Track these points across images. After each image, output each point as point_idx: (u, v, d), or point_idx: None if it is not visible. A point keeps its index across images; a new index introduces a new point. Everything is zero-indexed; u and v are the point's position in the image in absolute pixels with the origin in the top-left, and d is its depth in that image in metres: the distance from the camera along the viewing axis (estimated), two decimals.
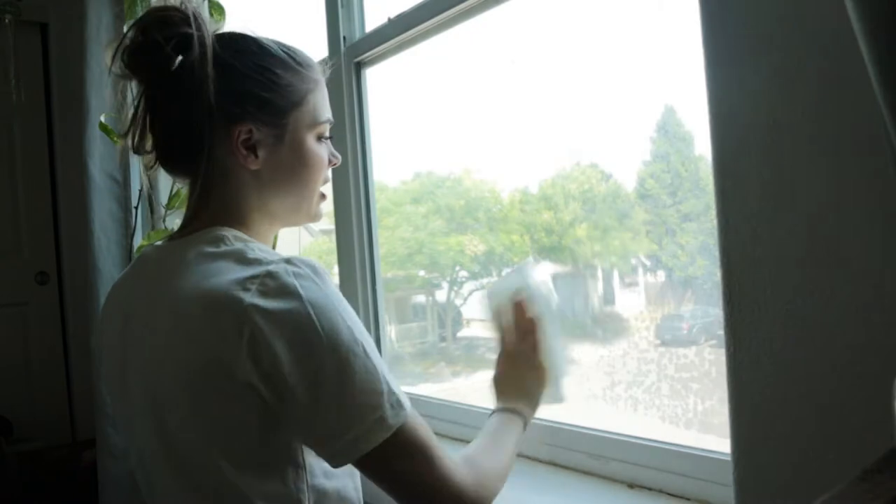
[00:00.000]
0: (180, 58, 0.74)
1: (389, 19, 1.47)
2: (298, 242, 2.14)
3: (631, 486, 1.01)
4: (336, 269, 1.66)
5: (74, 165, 1.91)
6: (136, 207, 1.90)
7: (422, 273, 1.78)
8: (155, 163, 0.82)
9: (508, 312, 0.93)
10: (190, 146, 0.76)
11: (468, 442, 1.29)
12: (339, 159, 0.89)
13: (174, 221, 1.75)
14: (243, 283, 0.66)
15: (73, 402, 2.30)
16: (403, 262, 1.77)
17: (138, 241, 1.88)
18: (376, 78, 1.60)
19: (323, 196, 0.88)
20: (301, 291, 0.66)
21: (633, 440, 1.03)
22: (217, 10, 1.68)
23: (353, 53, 1.57)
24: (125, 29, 0.89)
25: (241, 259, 0.71)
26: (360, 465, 0.69)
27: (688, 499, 0.94)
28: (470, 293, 1.75)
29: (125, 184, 1.89)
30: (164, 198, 1.78)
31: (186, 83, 0.74)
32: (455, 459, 0.75)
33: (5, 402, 2.17)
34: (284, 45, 0.82)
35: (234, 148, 0.76)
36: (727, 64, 0.72)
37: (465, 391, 1.65)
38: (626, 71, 1.14)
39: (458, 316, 1.74)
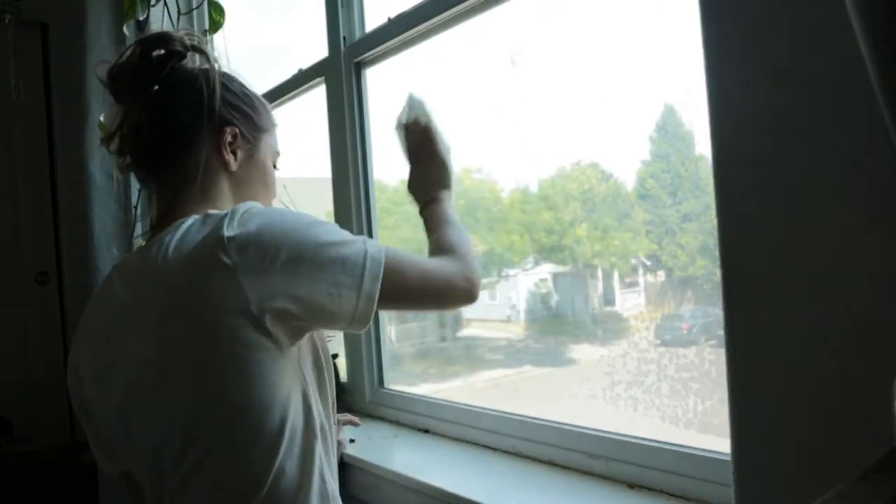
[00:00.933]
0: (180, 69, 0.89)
1: (389, 19, 1.47)
2: None
3: (631, 486, 1.01)
4: None
5: (74, 165, 1.91)
6: (136, 207, 1.90)
7: None
8: (128, 166, 0.92)
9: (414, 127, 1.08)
10: (181, 146, 0.88)
11: (468, 442, 1.30)
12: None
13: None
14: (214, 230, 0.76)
15: (70, 396, 2.29)
16: None
17: (138, 241, 1.88)
18: (376, 78, 1.60)
19: None
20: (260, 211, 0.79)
21: (633, 440, 1.03)
22: (217, 10, 1.68)
23: (353, 53, 1.57)
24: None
25: (203, 219, 0.80)
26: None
27: (688, 499, 0.94)
28: None
29: (125, 184, 1.89)
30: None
31: (189, 93, 0.87)
32: (437, 256, 0.92)
33: (5, 402, 2.17)
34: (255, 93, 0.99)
35: (222, 147, 0.89)
36: (727, 63, 0.72)
37: (465, 391, 1.65)
38: (626, 71, 1.14)
39: (458, 316, 1.74)
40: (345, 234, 0.80)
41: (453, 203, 1.04)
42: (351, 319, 0.78)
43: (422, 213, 1.03)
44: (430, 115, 1.06)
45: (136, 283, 0.81)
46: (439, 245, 0.95)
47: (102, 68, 0.89)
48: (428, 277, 0.86)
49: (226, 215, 0.76)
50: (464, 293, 0.88)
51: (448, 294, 0.88)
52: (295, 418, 0.78)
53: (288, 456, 0.77)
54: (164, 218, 0.87)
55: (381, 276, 0.78)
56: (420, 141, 1.05)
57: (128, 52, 0.88)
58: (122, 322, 0.80)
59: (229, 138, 0.89)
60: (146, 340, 0.76)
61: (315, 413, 0.83)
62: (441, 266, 0.88)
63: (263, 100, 0.98)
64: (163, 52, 0.88)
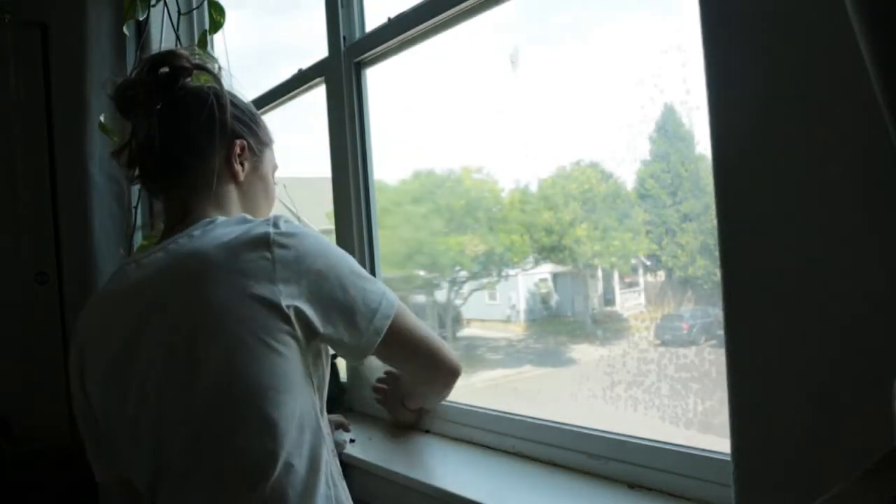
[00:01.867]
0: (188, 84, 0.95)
1: (389, 19, 1.47)
2: None
3: (631, 486, 1.01)
4: None
5: (74, 165, 1.91)
6: (136, 207, 1.90)
7: (422, 273, 1.78)
8: (137, 177, 0.97)
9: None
10: (195, 156, 0.93)
11: (468, 442, 1.30)
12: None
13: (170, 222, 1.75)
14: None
15: (72, 403, 2.29)
16: (403, 262, 1.77)
17: (138, 241, 1.88)
18: (376, 78, 1.60)
19: None
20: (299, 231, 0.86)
21: (633, 440, 1.03)
22: (217, 10, 1.67)
23: (353, 53, 1.57)
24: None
25: (240, 219, 0.88)
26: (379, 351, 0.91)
27: (688, 499, 0.94)
28: (470, 293, 1.75)
29: (125, 184, 1.89)
30: (158, 205, 1.78)
31: (199, 106, 0.92)
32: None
33: (5, 402, 2.17)
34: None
35: (232, 158, 0.95)
36: (727, 63, 0.72)
37: (465, 391, 1.65)
38: (627, 70, 1.14)
39: (458, 316, 1.74)
40: (369, 275, 0.90)
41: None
42: (354, 347, 0.85)
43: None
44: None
45: (160, 274, 0.83)
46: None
47: (111, 85, 0.93)
48: (428, 337, 0.99)
49: (268, 219, 0.83)
50: (452, 365, 1.04)
51: (440, 358, 1.02)
52: (306, 414, 0.80)
53: (296, 451, 0.78)
54: (184, 219, 0.91)
55: (391, 317, 0.88)
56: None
57: (136, 70, 0.93)
58: (145, 312, 0.81)
59: (238, 150, 0.95)
60: (174, 326, 0.79)
61: (323, 416, 0.86)
62: (438, 337, 1.02)
63: (261, 118, 1.05)
64: (170, 69, 0.92)
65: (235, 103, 0.98)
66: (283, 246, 0.80)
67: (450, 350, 1.04)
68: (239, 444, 0.77)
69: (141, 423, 0.81)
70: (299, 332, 0.79)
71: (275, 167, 1.05)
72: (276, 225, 0.82)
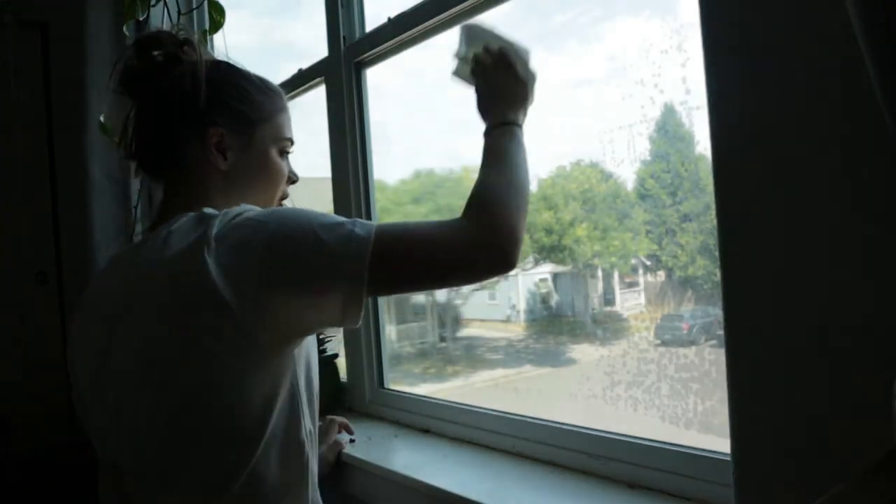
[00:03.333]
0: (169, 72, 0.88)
1: (389, 19, 1.47)
2: None
3: (631, 486, 1.01)
4: None
5: (74, 165, 1.91)
6: (136, 207, 1.90)
7: None
8: (139, 167, 0.92)
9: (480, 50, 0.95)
10: (170, 147, 0.88)
11: (468, 442, 1.30)
12: (297, 178, 0.98)
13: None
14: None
15: (72, 402, 2.29)
16: None
17: (138, 241, 1.88)
18: (376, 78, 1.60)
19: (282, 200, 0.97)
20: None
21: (633, 440, 1.03)
22: (217, 10, 1.67)
23: (353, 53, 1.57)
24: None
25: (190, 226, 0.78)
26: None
27: (688, 499, 0.94)
28: (470, 293, 1.75)
29: (125, 184, 1.89)
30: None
31: (174, 93, 0.87)
32: (449, 221, 0.77)
33: (5, 402, 2.17)
34: (260, 76, 0.95)
35: (208, 148, 0.87)
36: (727, 63, 0.72)
37: (465, 391, 1.65)
38: (627, 70, 1.14)
39: (457, 316, 1.74)
40: (331, 222, 0.73)
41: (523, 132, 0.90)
42: (342, 316, 0.73)
43: (486, 135, 0.91)
44: (504, 37, 0.93)
45: (129, 275, 0.81)
46: (476, 193, 0.81)
47: (115, 74, 0.91)
48: (430, 252, 0.73)
49: (216, 216, 0.74)
50: (485, 263, 0.74)
51: (459, 267, 0.75)
52: (277, 423, 0.76)
53: (264, 460, 0.76)
54: (161, 216, 0.87)
55: (367, 263, 0.70)
56: (494, 65, 0.93)
57: (126, 55, 0.90)
58: (117, 313, 0.79)
59: (215, 139, 0.86)
60: (137, 331, 0.76)
61: (303, 419, 0.81)
62: (451, 231, 0.75)
63: (266, 84, 0.94)
64: (157, 52, 0.89)
65: (219, 82, 0.88)
66: (226, 248, 0.71)
67: (479, 236, 0.75)
68: (202, 458, 0.75)
69: (121, 420, 0.80)
70: (265, 337, 0.72)
71: (281, 140, 0.93)
72: (221, 221, 0.73)
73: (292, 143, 0.96)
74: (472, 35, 0.93)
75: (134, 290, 0.78)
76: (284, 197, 0.97)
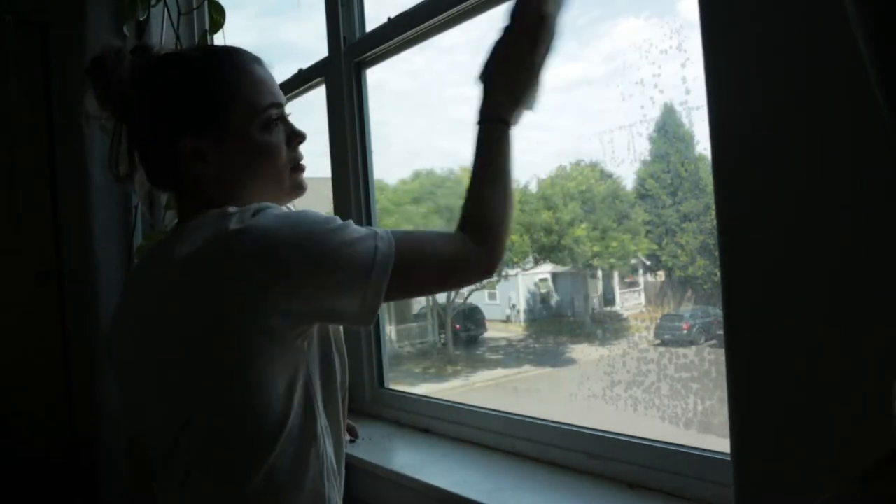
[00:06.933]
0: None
1: (389, 19, 1.47)
2: None
3: (631, 486, 1.01)
4: None
5: (74, 165, 1.91)
6: (136, 207, 1.89)
7: None
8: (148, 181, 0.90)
9: None
10: (159, 164, 0.85)
11: (468, 442, 1.30)
12: (303, 136, 0.89)
13: (174, 221, 1.76)
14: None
15: (72, 402, 2.29)
16: None
17: (138, 241, 1.88)
18: (376, 78, 1.60)
19: (296, 169, 0.89)
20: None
21: (633, 440, 1.03)
22: (217, 10, 1.67)
23: (353, 53, 1.57)
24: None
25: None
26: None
27: (688, 499, 0.94)
28: (470, 293, 1.75)
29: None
30: (164, 198, 1.78)
31: (135, 114, 0.83)
32: (454, 235, 0.82)
33: (5, 402, 2.17)
34: (203, 48, 0.89)
35: (187, 160, 0.81)
36: (727, 64, 0.72)
37: (465, 391, 1.65)
38: (627, 70, 1.14)
39: (458, 316, 1.74)
40: (352, 233, 0.75)
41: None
42: (356, 317, 0.76)
43: (478, 124, 0.88)
44: (562, 5, 0.87)
45: (155, 269, 0.84)
46: (476, 212, 0.84)
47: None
48: (442, 267, 0.80)
49: (233, 214, 0.74)
50: (477, 271, 0.82)
51: (460, 278, 0.84)
52: (294, 420, 0.78)
53: (282, 453, 0.77)
54: (181, 214, 0.88)
55: (389, 273, 0.74)
56: (528, 28, 0.85)
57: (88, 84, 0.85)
58: (147, 310, 0.82)
59: (188, 148, 0.80)
60: (156, 327, 0.78)
61: (318, 416, 0.81)
62: (456, 247, 0.80)
63: (210, 60, 0.83)
64: (99, 77, 0.83)
65: (155, 98, 0.81)
66: (246, 245, 0.72)
67: (477, 250, 0.81)
68: (217, 453, 0.77)
69: (145, 409, 0.84)
70: (283, 334, 0.74)
71: (256, 113, 0.82)
72: (240, 218, 0.73)
73: (277, 105, 0.85)
74: None
75: (158, 283, 0.80)
76: (298, 163, 0.88)
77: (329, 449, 0.84)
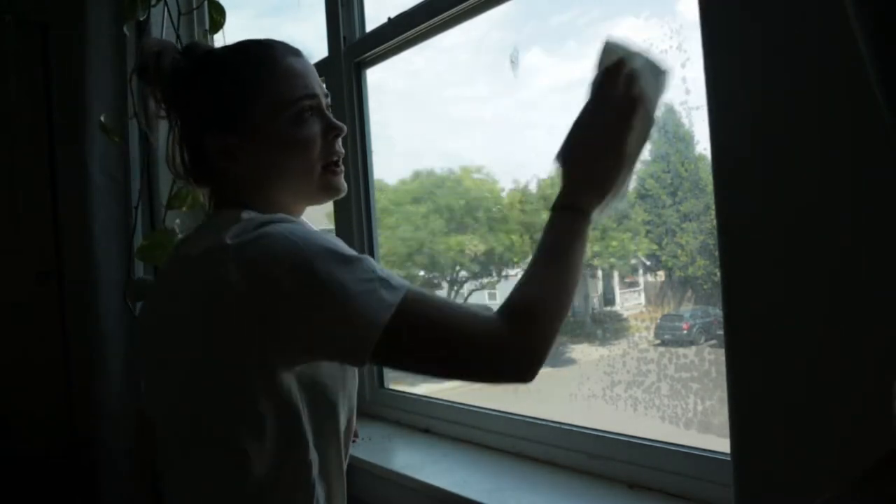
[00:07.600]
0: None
1: (389, 19, 1.47)
2: None
3: (631, 486, 1.01)
4: None
5: (74, 165, 1.91)
6: (136, 207, 1.89)
7: (422, 273, 1.78)
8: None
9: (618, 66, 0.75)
10: (193, 162, 0.85)
11: (468, 442, 1.30)
12: (340, 128, 0.82)
13: (174, 221, 1.75)
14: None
15: (72, 403, 2.29)
16: (403, 262, 1.77)
17: (138, 241, 1.88)
18: (376, 78, 1.60)
19: (329, 167, 0.82)
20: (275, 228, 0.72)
21: (633, 440, 1.03)
22: (217, 10, 1.67)
23: (353, 53, 1.57)
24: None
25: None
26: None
27: (688, 499, 0.94)
28: (470, 293, 1.75)
29: (125, 184, 1.89)
30: (164, 198, 1.78)
31: (171, 116, 0.85)
32: (486, 316, 0.69)
33: (5, 402, 2.17)
34: (237, 45, 0.83)
35: (216, 157, 0.79)
36: (727, 64, 0.72)
37: (465, 391, 1.65)
38: None
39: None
40: (359, 272, 0.67)
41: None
42: (344, 357, 0.72)
43: (552, 210, 0.76)
44: (646, 58, 0.74)
45: (171, 263, 0.86)
46: (527, 299, 0.71)
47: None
48: (456, 342, 0.67)
49: (236, 224, 0.71)
50: (505, 362, 0.67)
51: (478, 365, 0.68)
52: (279, 443, 0.74)
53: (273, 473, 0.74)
54: (209, 217, 0.87)
55: (382, 326, 0.65)
56: (617, 111, 0.74)
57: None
58: (157, 296, 0.87)
59: (216, 147, 0.78)
60: (165, 327, 0.80)
61: (307, 439, 0.76)
62: (486, 326, 0.67)
63: (241, 54, 0.81)
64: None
65: (188, 98, 0.81)
66: (243, 266, 0.68)
67: (516, 342, 0.67)
68: (202, 460, 0.78)
69: (151, 402, 0.86)
70: (271, 361, 0.71)
71: (286, 106, 0.77)
72: (238, 234, 0.70)
73: (310, 97, 0.79)
74: (611, 51, 0.76)
75: (171, 286, 0.82)
76: (332, 155, 0.82)
77: (327, 469, 0.80)
